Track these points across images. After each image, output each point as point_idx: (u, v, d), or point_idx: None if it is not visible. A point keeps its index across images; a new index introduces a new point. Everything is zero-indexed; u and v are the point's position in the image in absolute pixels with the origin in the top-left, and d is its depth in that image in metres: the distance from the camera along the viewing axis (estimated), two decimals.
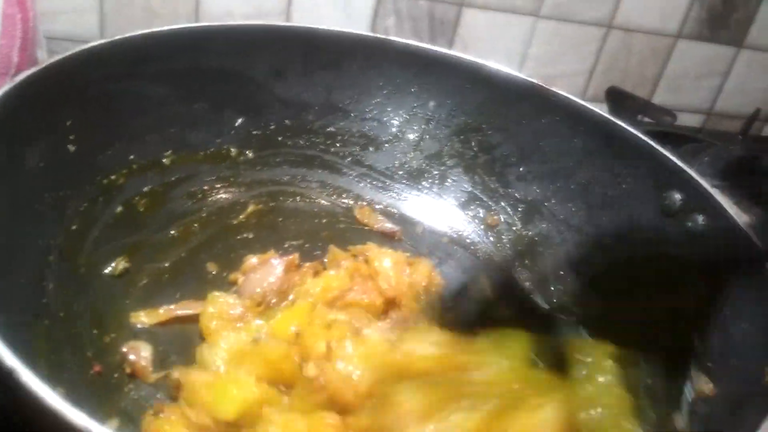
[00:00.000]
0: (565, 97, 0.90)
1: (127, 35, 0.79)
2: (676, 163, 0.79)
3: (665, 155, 0.80)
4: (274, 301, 0.78)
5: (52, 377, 0.41)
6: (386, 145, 1.00)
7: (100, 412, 0.61)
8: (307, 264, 0.84)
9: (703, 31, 1.51)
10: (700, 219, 0.75)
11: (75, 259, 0.71)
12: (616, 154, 0.86)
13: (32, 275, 0.65)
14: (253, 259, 0.82)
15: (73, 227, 0.72)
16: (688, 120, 1.60)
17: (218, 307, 0.74)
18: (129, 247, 0.79)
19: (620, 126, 0.85)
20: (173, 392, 0.66)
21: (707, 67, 1.57)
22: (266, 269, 0.80)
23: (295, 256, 0.83)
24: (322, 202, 0.97)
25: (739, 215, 0.72)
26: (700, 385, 0.69)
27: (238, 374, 0.64)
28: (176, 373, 0.65)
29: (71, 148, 0.73)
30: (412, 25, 1.39)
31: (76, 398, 0.41)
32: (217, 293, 0.75)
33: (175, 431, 0.60)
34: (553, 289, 0.89)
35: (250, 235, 0.89)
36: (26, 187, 0.66)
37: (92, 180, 0.77)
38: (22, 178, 0.65)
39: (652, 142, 0.82)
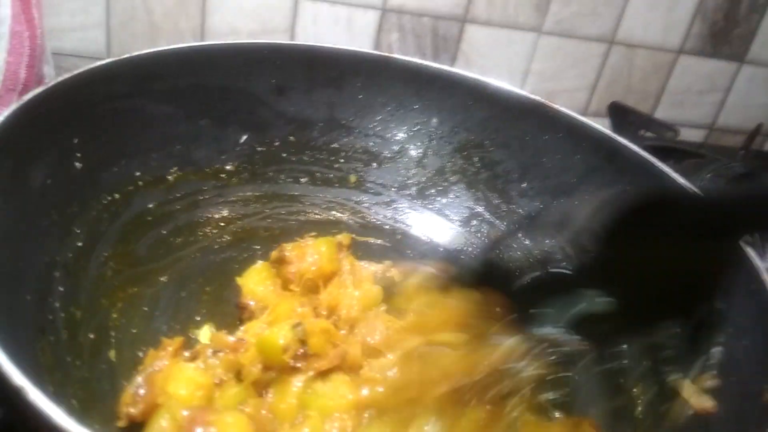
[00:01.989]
0: (567, 114, 0.91)
1: (132, 54, 0.81)
2: (677, 181, 0.79)
3: (666, 172, 0.81)
4: None
5: (57, 394, 0.42)
6: (389, 161, 1.01)
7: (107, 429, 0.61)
8: None
9: (705, 46, 1.52)
10: None
11: (80, 276, 0.72)
12: (618, 170, 0.86)
13: (38, 291, 0.65)
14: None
15: (79, 244, 0.73)
16: (690, 135, 1.61)
17: None
18: None
19: (622, 143, 0.86)
20: None
21: (709, 83, 1.58)
22: None
23: None
24: (327, 217, 0.98)
25: None
26: (701, 401, 0.69)
27: None
28: None
29: (78, 165, 0.74)
30: (415, 42, 1.40)
31: (80, 414, 0.41)
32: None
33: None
34: None
35: (259, 250, 0.89)
36: (33, 203, 0.67)
37: (98, 197, 0.78)
38: (29, 194, 0.66)
39: (653, 159, 0.82)
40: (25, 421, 0.44)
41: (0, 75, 0.98)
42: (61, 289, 0.68)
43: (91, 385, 0.65)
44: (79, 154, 0.74)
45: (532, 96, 0.94)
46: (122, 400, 0.64)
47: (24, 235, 0.64)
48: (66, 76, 0.72)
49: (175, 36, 1.30)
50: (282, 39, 1.33)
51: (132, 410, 0.63)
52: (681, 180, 0.80)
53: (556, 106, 0.92)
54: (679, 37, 1.50)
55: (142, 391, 0.63)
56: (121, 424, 0.63)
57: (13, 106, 0.65)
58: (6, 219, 0.61)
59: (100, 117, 0.77)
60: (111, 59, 0.79)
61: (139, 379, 0.65)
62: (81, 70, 0.74)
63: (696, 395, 0.70)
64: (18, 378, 0.42)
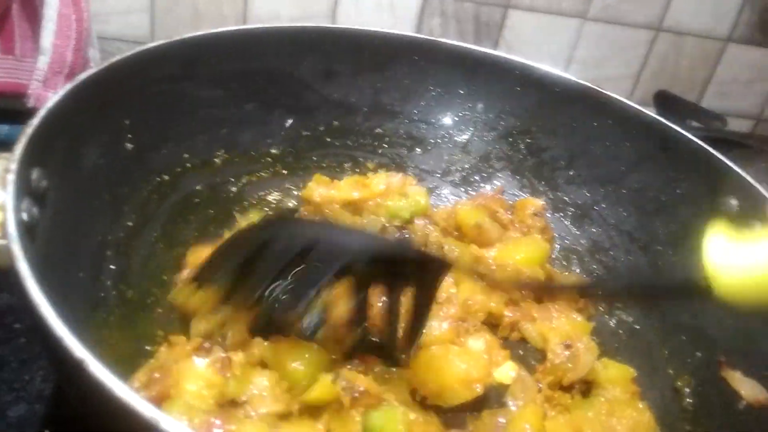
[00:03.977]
0: (618, 100, 0.89)
1: (182, 37, 0.81)
2: (733, 169, 0.77)
3: (722, 161, 0.78)
4: None
5: (113, 368, 0.42)
6: (433, 146, 1.00)
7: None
8: None
9: (754, 35, 1.48)
10: (758, 226, 0.73)
11: (131, 255, 0.73)
12: (671, 158, 0.84)
13: (90, 270, 0.66)
14: None
15: (129, 224, 0.74)
16: (736, 125, 1.57)
17: None
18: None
19: (675, 130, 0.84)
20: None
21: (758, 72, 1.54)
22: None
23: None
24: None
25: None
26: (754, 393, 0.68)
27: None
28: None
29: (129, 146, 0.74)
30: (457, 27, 1.39)
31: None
32: None
33: None
34: None
35: None
36: (86, 183, 0.67)
37: (148, 177, 0.78)
38: (82, 174, 0.67)
39: (708, 147, 0.80)
40: (84, 394, 0.45)
41: (47, 57, 0.99)
42: (113, 267, 0.69)
43: (138, 363, 0.66)
44: (129, 136, 0.74)
45: (582, 81, 0.92)
46: (137, 378, 0.63)
47: (77, 215, 0.65)
48: (116, 58, 0.73)
49: (218, 21, 1.30)
50: (324, 23, 1.33)
51: (145, 394, 0.61)
52: (737, 169, 0.77)
53: (606, 92, 0.90)
54: (727, 25, 1.46)
55: (157, 375, 0.62)
56: None
57: (66, 88, 0.65)
58: (60, 198, 0.61)
59: (150, 99, 0.78)
60: (159, 42, 0.79)
61: (152, 367, 0.64)
62: (130, 52, 0.75)
63: (749, 387, 0.69)
64: (79, 351, 0.42)
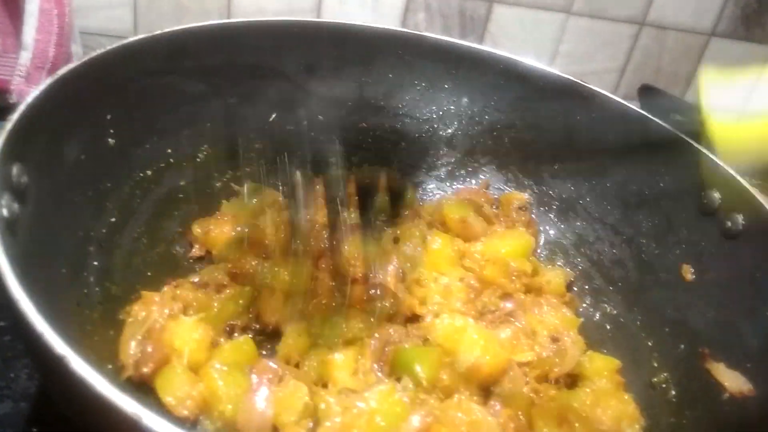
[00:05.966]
0: (602, 94, 0.89)
1: (163, 31, 0.80)
2: (715, 162, 0.78)
3: (705, 154, 0.79)
4: None
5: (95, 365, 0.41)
6: (419, 141, 1.00)
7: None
8: None
9: (737, 29, 1.49)
10: (740, 218, 0.74)
11: (114, 252, 0.72)
12: (654, 152, 0.85)
13: (73, 266, 0.66)
14: None
15: (112, 219, 0.73)
16: None
17: None
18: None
19: (658, 124, 0.84)
20: None
21: (741, 66, 1.54)
22: None
23: None
24: None
25: None
26: (737, 384, 0.68)
27: None
28: None
29: (111, 141, 0.74)
30: (442, 22, 1.39)
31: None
32: None
33: None
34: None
35: None
36: (68, 179, 0.67)
37: (130, 173, 0.78)
38: (64, 170, 0.66)
39: (691, 141, 0.81)
40: (66, 391, 0.44)
41: (29, 53, 0.98)
42: (96, 263, 0.68)
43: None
44: (112, 131, 0.74)
45: (565, 75, 0.92)
46: (126, 354, 0.65)
47: (59, 210, 0.65)
48: (97, 52, 0.72)
49: (201, 15, 1.29)
50: (308, 18, 1.32)
51: (145, 369, 0.64)
52: (719, 162, 0.78)
53: (590, 86, 0.90)
54: (711, 19, 1.47)
55: (150, 349, 0.65)
56: (127, 374, 0.64)
57: (47, 82, 0.64)
58: (41, 194, 0.60)
59: (132, 94, 0.77)
60: (141, 36, 0.78)
61: (139, 336, 0.66)
62: (112, 46, 0.74)
63: (732, 378, 0.69)
64: (60, 347, 0.42)
